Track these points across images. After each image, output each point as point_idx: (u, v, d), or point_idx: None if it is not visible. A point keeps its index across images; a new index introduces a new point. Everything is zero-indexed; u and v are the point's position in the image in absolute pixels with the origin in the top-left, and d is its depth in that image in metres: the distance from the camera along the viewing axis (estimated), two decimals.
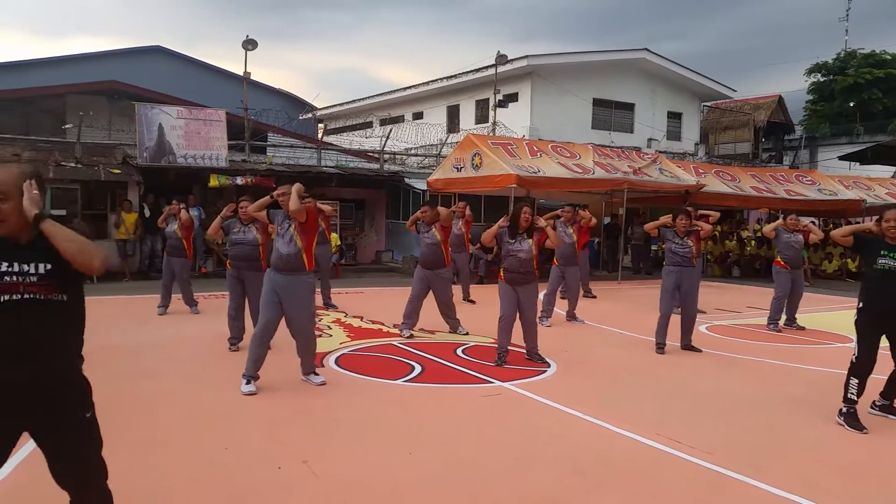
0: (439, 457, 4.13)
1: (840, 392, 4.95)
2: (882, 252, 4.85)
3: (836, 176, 20.28)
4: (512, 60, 21.87)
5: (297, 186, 5.52)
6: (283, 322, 5.56)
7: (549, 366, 6.61)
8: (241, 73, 17.63)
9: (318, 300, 9.99)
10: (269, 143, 18.12)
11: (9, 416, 2.35)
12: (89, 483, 2.52)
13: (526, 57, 22.52)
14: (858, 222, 16.75)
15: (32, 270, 2.33)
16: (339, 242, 15.40)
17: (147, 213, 14.18)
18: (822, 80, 35.64)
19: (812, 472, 4.01)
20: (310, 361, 5.75)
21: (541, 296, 8.85)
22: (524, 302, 6.63)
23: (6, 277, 2.30)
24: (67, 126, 15.96)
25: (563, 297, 9.97)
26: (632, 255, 18.72)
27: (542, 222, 6.65)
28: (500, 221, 6.71)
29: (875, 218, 5.10)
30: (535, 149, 14.79)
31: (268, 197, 5.84)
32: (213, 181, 14.61)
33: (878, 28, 77.05)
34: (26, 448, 3.25)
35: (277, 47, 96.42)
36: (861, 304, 4.96)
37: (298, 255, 5.51)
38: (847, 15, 37.80)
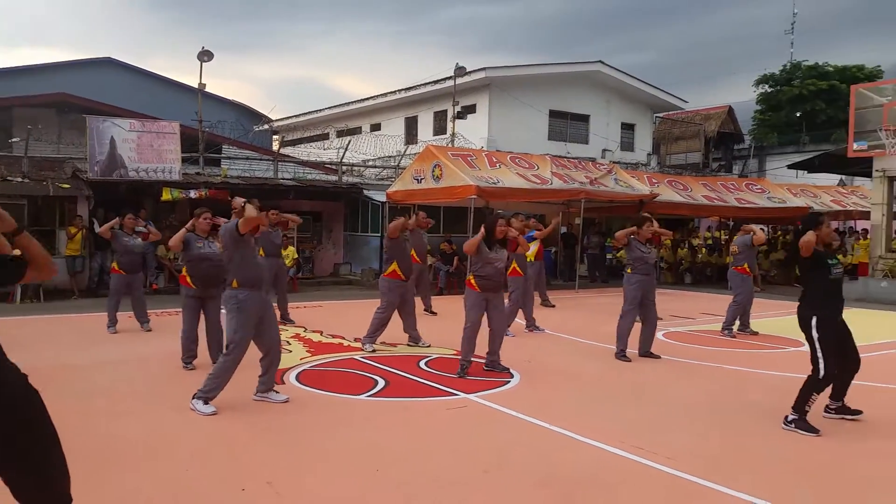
0: (407, 472, 4.08)
1: (793, 396, 5.04)
2: (830, 260, 5.01)
3: (784, 184, 20.94)
4: (470, 72, 22.02)
5: (237, 201, 5.48)
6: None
7: (512, 376, 6.62)
8: (196, 85, 17.33)
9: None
10: (224, 155, 17.84)
11: None
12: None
13: (484, 69, 22.72)
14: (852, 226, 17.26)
15: None
16: (295, 255, 15.20)
17: (97, 228, 13.78)
18: (769, 90, 36.78)
19: (772, 476, 4.09)
20: (272, 378, 5.64)
21: None
22: (494, 308, 6.67)
23: None
24: (14, 140, 15.46)
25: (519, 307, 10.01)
26: (588, 264, 18.96)
27: (513, 232, 6.73)
28: (480, 232, 6.72)
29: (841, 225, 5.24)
30: (494, 160, 14.90)
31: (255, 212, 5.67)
32: (166, 195, 14.29)
33: (821, 41, 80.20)
34: None
35: (233, 59, 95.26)
36: (817, 318, 4.94)
37: (269, 271, 5.48)
38: (793, 28, 39.22)
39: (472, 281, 6.68)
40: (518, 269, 9.56)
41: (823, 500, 3.76)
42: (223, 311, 5.54)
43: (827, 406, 5.29)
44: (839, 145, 17.97)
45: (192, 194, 14.34)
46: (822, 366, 4.90)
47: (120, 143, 14.34)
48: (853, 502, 3.75)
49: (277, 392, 5.65)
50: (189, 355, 6.75)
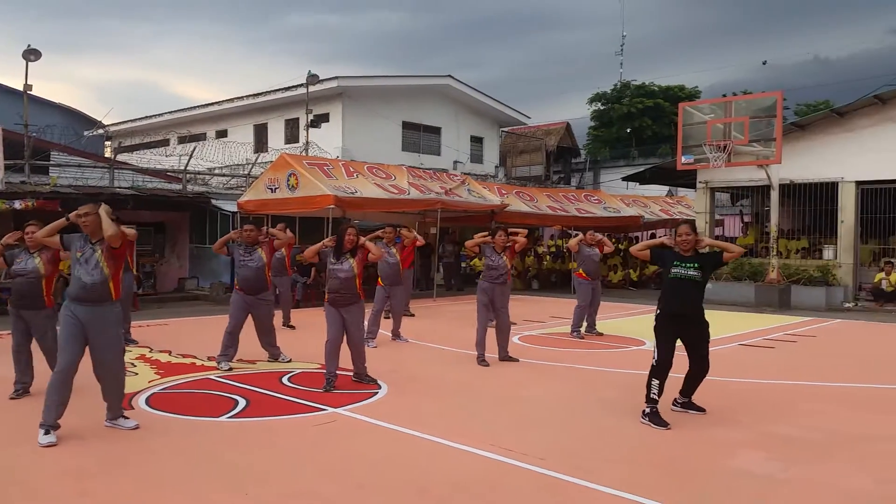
0: (277, 493, 3.90)
1: (642, 391, 5.43)
2: (675, 262, 5.46)
3: (618, 195, 22.60)
4: (323, 80, 21.75)
5: (105, 207, 5.04)
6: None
7: (379, 387, 6.56)
8: (20, 87, 15.66)
9: None
10: (52, 162, 16.24)
11: None
12: None
13: (336, 78, 22.53)
14: (655, 236, 18.73)
15: None
16: (134, 270, 14.10)
17: None
18: (602, 108, 39.60)
19: (632, 469, 4.36)
20: (118, 404, 5.18)
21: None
22: (350, 323, 6.56)
23: None
24: None
25: (386, 317, 10.01)
26: (444, 273, 19.32)
27: (362, 239, 6.68)
28: (325, 240, 6.61)
29: (669, 232, 5.74)
30: (352, 170, 14.79)
31: (62, 220, 5.21)
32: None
33: (647, 62, 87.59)
34: None
35: (61, 60, 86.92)
36: (658, 310, 5.51)
37: (105, 284, 4.99)
38: (622, 49, 42.51)
39: (326, 295, 6.60)
40: (381, 279, 9.58)
41: (676, 491, 4.06)
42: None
43: (675, 399, 5.74)
44: (665, 159, 19.78)
45: (18, 205, 12.94)
46: (655, 352, 5.39)
47: None
48: (700, 489, 4.08)
49: (127, 418, 5.20)
50: (18, 381, 6.07)
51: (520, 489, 3.99)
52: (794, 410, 5.86)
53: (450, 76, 25.87)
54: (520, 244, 8.55)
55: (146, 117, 28.81)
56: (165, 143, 26.89)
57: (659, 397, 5.34)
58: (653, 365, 5.39)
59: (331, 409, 5.72)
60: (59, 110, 25.27)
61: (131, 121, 29.26)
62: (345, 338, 6.60)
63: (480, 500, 3.83)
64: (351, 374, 6.75)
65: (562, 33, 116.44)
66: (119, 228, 5.08)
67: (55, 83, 77.85)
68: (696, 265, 5.45)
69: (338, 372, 6.57)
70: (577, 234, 10.60)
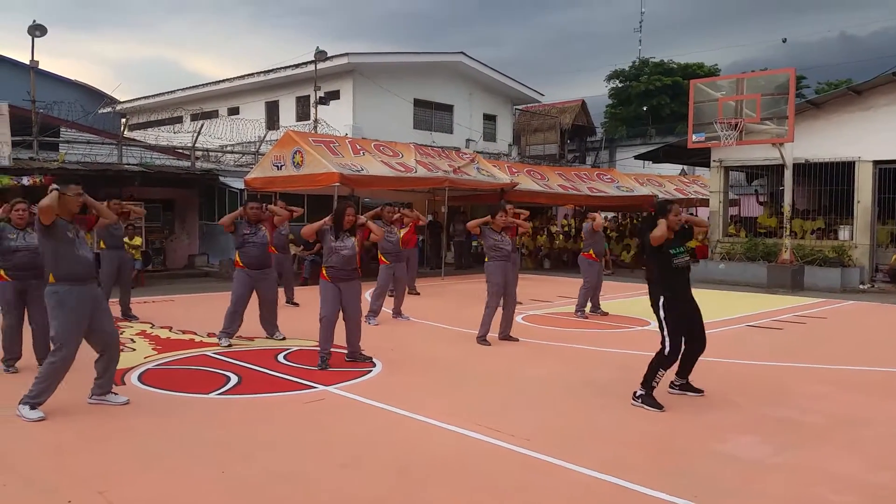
0: (256, 472, 3.86)
1: (641, 373, 5.31)
2: (672, 251, 5.28)
3: (632, 174, 22.29)
4: (332, 57, 21.57)
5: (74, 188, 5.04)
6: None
7: (374, 365, 6.52)
8: (28, 62, 15.67)
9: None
10: (61, 139, 16.29)
11: None
12: None
13: (346, 55, 22.32)
14: (693, 213, 18.48)
15: None
16: (140, 245, 14.15)
17: None
18: (619, 85, 39.00)
19: (620, 451, 4.28)
20: (110, 380, 5.18)
21: (367, 295, 8.79)
22: (347, 300, 6.51)
23: None
24: None
25: (390, 295, 9.96)
26: (454, 252, 19.24)
27: (362, 219, 6.60)
28: (325, 219, 6.55)
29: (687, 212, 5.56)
30: (358, 147, 14.68)
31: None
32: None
33: (666, 39, 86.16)
34: None
35: (75, 36, 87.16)
36: (664, 298, 5.23)
37: (96, 262, 5.01)
38: (640, 27, 41.77)
39: (324, 271, 6.52)
40: (383, 257, 9.53)
41: (660, 472, 3.97)
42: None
43: (672, 382, 5.62)
44: (682, 137, 19.40)
45: (26, 181, 13.02)
46: (667, 343, 5.20)
47: None
48: (685, 473, 3.98)
49: (116, 394, 5.20)
50: (11, 356, 6.08)
51: (500, 470, 3.92)
52: (794, 393, 5.73)
53: (462, 53, 25.53)
54: (523, 228, 8.45)
55: (159, 94, 28.78)
56: (178, 120, 26.87)
57: (657, 385, 5.22)
58: (662, 354, 5.20)
59: (322, 387, 5.68)
60: (73, 86, 25.30)
61: (144, 98, 29.24)
62: (342, 315, 6.55)
63: (459, 481, 3.77)
64: (345, 352, 6.71)
65: (580, 10, 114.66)
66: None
67: (74, 60, 78.21)
68: (683, 249, 5.38)
69: (334, 350, 6.53)
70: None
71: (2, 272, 6.01)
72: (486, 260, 7.90)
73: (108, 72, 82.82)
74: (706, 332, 5.51)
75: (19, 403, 4.76)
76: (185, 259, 17.27)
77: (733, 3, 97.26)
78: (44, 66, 17.78)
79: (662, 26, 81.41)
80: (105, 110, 25.90)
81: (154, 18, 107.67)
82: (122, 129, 18.26)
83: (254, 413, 5.03)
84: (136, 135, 24.33)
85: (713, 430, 4.70)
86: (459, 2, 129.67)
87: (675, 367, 5.50)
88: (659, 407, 5.09)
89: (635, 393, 5.25)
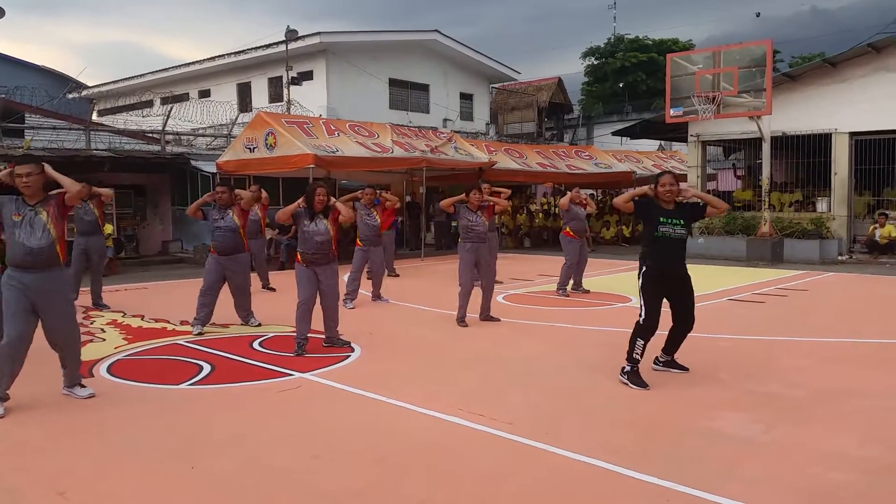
0: (226, 465, 3.68)
1: (624, 350, 5.20)
2: (661, 220, 5.15)
3: (610, 151, 22.18)
4: (304, 37, 21.13)
5: (46, 166, 4.75)
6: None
7: (352, 350, 6.34)
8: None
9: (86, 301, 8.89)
10: (26, 125, 15.76)
11: None
12: None
13: (318, 34, 21.85)
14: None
15: None
16: (111, 233, 13.77)
17: None
18: (595, 63, 38.79)
19: (606, 433, 4.15)
20: (75, 372, 4.95)
21: (344, 277, 8.60)
22: (324, 284, 6.31)
23: None
24: None
25: (368, 278, 9.78)
26: (434, 232, 19.05)
27: (332, 199, 6.38)
28: (298, 201, 6.33)
29: (651, 185, 5.40)
30: (333, 128, 14.38)
31: None
32: None
33: (641, 15, 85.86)
34: None
35: (39, 20, 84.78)
36: (644, 268, 5.18)
37: (53, 247, 4.70)
38: (615, 3, 41.50)
39: (299, 255, 6.32)
40: (359, 241, 9.33)
41: (646, 453, 3.85)
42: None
43: (657, 358, 5.51)
44: (658, 113, 19.31)
45: None
46: (643, 312, 5.10)
47: None
48: (674, 454, 3.87)
49: (84, 386, 4.97)
50: None
51: (483, 456, 3.78)
52: (779, 367, 5.65)
53: (437, 31, 25.14)
54: (499, 206, 8.27)
55: (128, 78, 28.05)
56: (149, 104, 26.22)
57: (641, 357, 5.11)
58: (638, 324, 5.13)
59: (297, 375, 5.50)
60: (38, 71, 24.60)
61: (113, 82, 28.49)
62: (318, 300, 6.36)
63: (439, 469, 3.62)
64: (323, 337, 6.53)
65: None
66: (80, 186, 4.87)
67: (40, 46, 76.20)
68: (681, 222, 5.18)
69: (311, 335, 6.34)
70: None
71: None
72: (460, 240, 7.74)
73: (73, 56, 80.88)
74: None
75: None
76: (158, 245, 16.89)
77: None
78: (7, 50, 17.20)
79: (637, 3, 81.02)
80: (72, 95, 25.22)
81: (122, 1, 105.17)
82: (90, 114, 17.75)
83: (226, 403, 4.83)
84: (106, 120, 23.72)
85: (700, 408, 4.59)
86: None
87: (662, 344, 5.41)
88: (644, 385, 4.98)
89: (623, 369, 5.13)
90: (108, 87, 28.45)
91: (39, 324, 4.72)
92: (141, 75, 27.59)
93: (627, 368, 5.11)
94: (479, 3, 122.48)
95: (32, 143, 14.54)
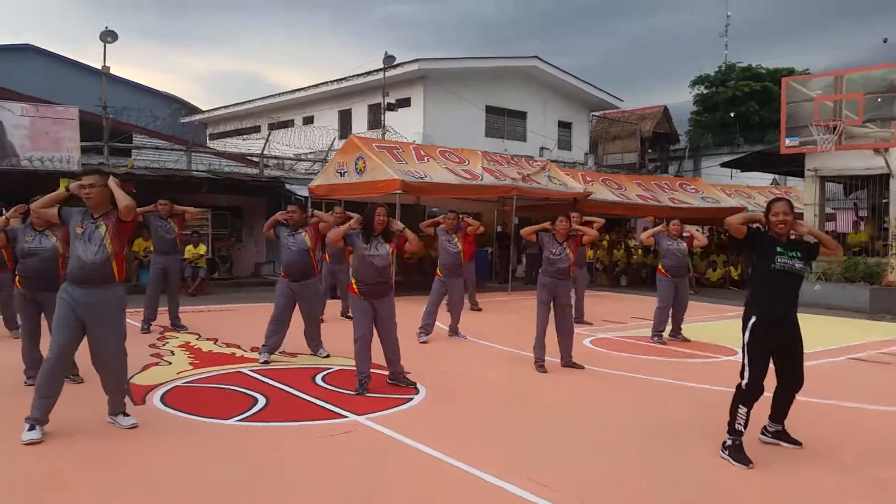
0: None
1: (726, 413, 4.44)
2: (778, 249, 4.38)
3: (718, 184, 20.82)
4: (402, 64, 21.26)
5: (113, 179, 4.66)
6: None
7: (417, 391, 5.87)
8: (100, 68, 16.03)
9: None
10: (131, 144, 16.56)
11: None
12: None
13: (417, 60, 21.96)
14: None
15: None
16: (202, 253, 14.05)
17: None
18: (705, 92, 37.12)
19: None
20: (119, 398, 4.74)
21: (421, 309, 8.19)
22: (383, 316, 5.89)
23: None
24: None
25: (447, 311, 9.31)
26: (526, 265, 18.41)
27: (398, 225, 5.99)
28: (351, 222, 5.97)
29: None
30: (423, 153, 14.16)
31: (62, 191, 4.84)
32: (64, 186, 13.07)
33: (754, 44, 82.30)
34: None
35: (166, 50, 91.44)
36: (753, 318, 4.38)
37: (108, 264, 4.55)
38: (726, 30, 39.78)
39: (353, 284, 5.92)
40: (439, 270, 8.91)
41: None
42: None
43: (764, 428, 4.70)
44: (773, 145, 17.96)
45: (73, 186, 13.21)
46: (746, 373, 4.35)
47: (10, 130, 13.16)
48: None
49: (127, 415, 4.75)
50: (34, 368, 5.79)
51: None
52: None
53: (536, 57, 24.70)
54: (588, 237, 7.60)
55: (238, 104, 29.32)
56: (256, 129, 27.27)
57: (745, 428, 4.32)
58: (740, 387, 4.36)
59: (353, 417, 5.07)
60: (149, 93, 26.16)
61: (224, 107, 29.87)
62: (376, 333, 5.95)
63: None
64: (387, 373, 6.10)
65: (660, 17, 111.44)
66: (132, 201, 4.66)
67: (166, 74, 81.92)
68: (799, 255, 4.38)
69: (373, 371, 5.93)
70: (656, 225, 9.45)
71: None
72: (540, 273, 7.14)
73: (194, 84, 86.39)
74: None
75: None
76: (252, 267, 17.21)
77: (823, 4, 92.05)
78: (137, 78, 18.32)
79: (749, 32, 77.65)
80: (186, 119, 26.54)
81: (239, 32, 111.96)
82: (206, 139, 18.51)
83: (267, 444, 4.45)
84: (216, 144, 24.75)
85: (813, 495, 3.78)
86: (536, 9, 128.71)
87: (768, 410, 4.60)
88: (747, 463, 4.19)
89: (724, 443, 4.36)
90: (219, 111, 29.84)
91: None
92: (250, 101, 28.75)
93: (729, 443, 4.33)
94: (581, 34, 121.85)
95: (136, 162, 15.18)
